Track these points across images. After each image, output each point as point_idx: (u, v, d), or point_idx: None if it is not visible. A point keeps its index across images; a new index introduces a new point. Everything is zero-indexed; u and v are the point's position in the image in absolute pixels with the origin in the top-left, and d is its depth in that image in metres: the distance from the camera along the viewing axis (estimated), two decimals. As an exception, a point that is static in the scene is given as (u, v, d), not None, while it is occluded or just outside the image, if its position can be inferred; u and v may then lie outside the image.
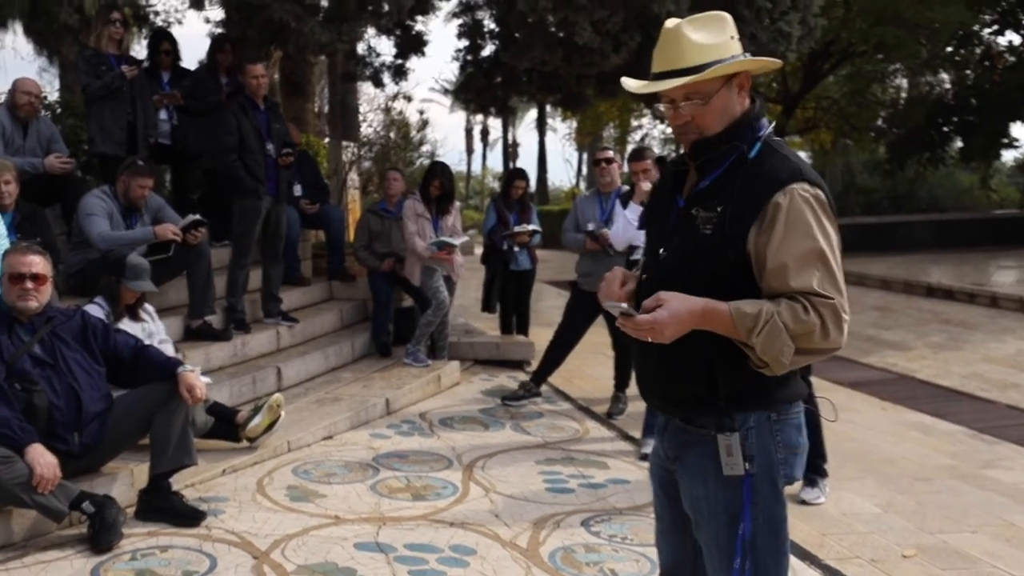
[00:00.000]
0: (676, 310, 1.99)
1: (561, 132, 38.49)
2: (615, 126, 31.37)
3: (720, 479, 2.14)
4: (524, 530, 4.07)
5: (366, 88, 13.33)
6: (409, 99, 16.35)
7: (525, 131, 47.61)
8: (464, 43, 10.63)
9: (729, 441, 2.11)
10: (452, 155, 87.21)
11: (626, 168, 6.87)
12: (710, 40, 2.06)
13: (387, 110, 15.00)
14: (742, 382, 2.07)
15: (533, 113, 38.38)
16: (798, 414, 2.18)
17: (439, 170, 7.41)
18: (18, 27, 18.46)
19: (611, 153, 6.44)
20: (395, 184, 7.99)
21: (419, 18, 10.09)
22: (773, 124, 2.19)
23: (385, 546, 3.84)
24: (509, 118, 36.93)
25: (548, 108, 32.21)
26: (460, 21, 10.52)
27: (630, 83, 2.21)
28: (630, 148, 28.19)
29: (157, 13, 12.72)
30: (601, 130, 31.40)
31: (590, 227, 6.23)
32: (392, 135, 15.39)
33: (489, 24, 10.44)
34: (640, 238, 5.30)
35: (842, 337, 1.99)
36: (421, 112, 21.40)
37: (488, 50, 10.58)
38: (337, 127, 14.62)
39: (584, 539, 3.99)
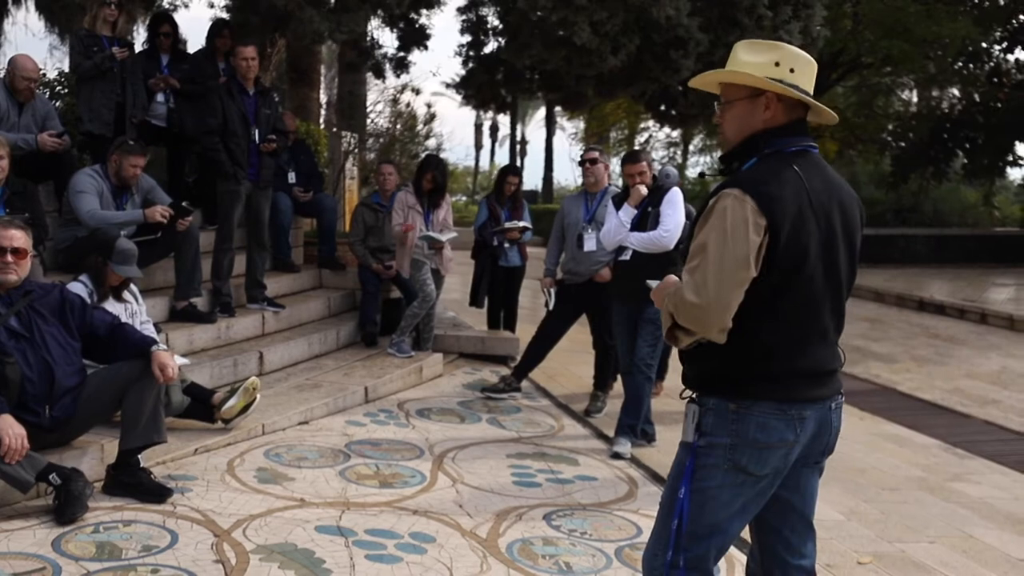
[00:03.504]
0: (661, 285, 2.45)
1: (569, 131, 38.37)
2: (621, 128, 31.37)
3: (681, 444, 2.42)
4: (485, 521, 4.12)
5: (376, 79, 13.36)
6: (417, 92, 16.37)
7: (534, 129, 47.34)
8: (467, 38, 10.67)
9: (688, 409, 2.41)
10: (460, 150, 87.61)
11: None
12: (748, 58, 2.38)
13: (395, 102, 15.05)
14: (700, 363, 2.37)
15: (543, 111, 38.31)
16: (768, 414, 2.29)
17: (434, 163, 7.43)
18: (30, 3, 18.57)
19: (596, 154, 6.43)
20: (389, 179, 8.03)
21: (423, 11, 10.15)
22: (812, 145, 2.39)
23: (346, 530, 3.89)
24: (517, 115, 36.87)
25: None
26: (464, 17, 10.55)
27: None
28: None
29: (163, -4, 12.77)
30: (607, 131, 31.39)
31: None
32: (398, 127, 15.45)
33: (492, 20, 10.48)
34: (630, 239, 5.33)
35: (692, 321, 2.23)
36: (429, 106, 21.49)
37: (491, 46, 10.63)
38: (343, 116, 14.64)
39: (544, 532, 4.03)
